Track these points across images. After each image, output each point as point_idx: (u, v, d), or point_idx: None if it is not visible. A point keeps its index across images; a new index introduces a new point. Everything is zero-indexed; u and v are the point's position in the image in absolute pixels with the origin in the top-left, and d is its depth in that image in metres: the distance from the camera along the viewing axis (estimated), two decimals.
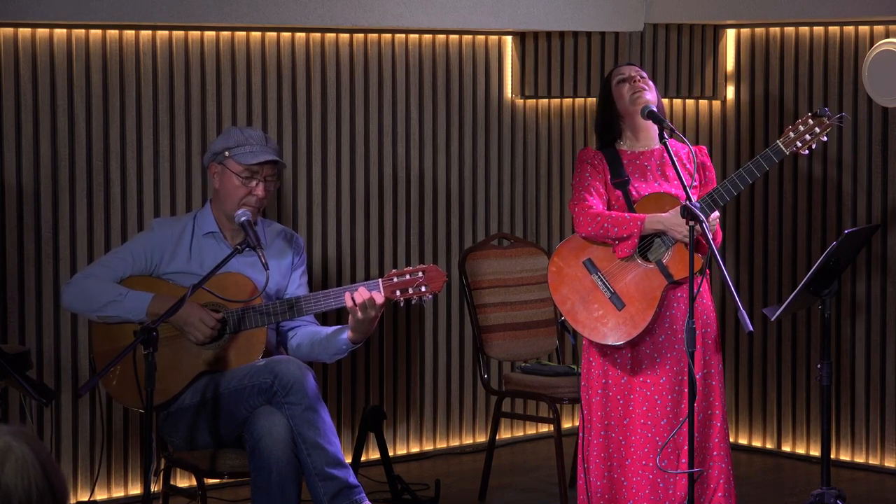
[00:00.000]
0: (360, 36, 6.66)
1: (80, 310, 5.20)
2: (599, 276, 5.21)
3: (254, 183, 5.17)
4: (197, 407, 5.06)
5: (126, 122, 6.09)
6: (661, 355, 5.18)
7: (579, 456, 5.27)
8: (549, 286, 5.33)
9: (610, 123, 5.32)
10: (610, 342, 5.18)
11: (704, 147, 5.35)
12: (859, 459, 6.75)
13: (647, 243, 5.19)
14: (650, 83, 5.29)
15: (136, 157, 6.13)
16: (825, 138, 5.14)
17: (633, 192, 5.22)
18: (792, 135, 5.10)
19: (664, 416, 5.15)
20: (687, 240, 5.08)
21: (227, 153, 5.19)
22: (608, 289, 5.20)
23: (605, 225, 5.15)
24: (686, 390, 5.13)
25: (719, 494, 5.18)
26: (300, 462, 4.90)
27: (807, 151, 5.11)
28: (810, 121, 5.11)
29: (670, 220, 5.10)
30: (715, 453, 5.19)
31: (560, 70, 7.11)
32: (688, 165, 5.23)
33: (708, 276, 5.22)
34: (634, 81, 5.25)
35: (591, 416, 5.25)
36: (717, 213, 5.05)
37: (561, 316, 5.29)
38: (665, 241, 5.15)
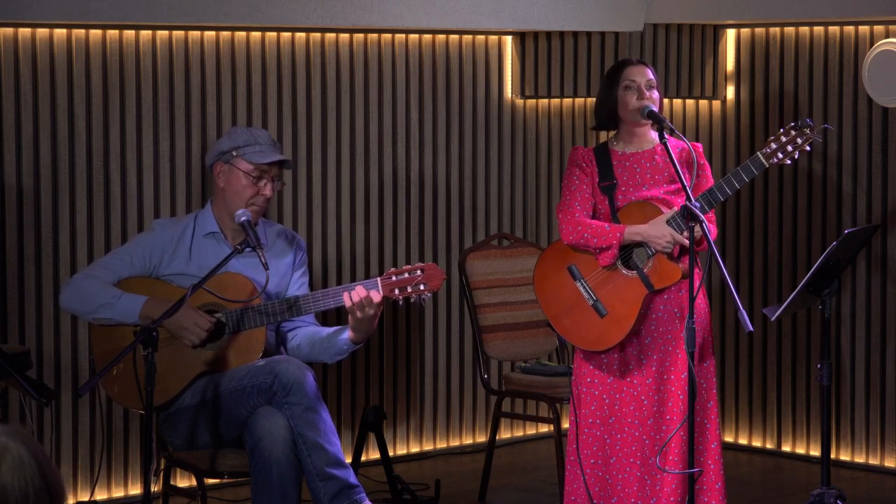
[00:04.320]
0: (360, 36, 6.66)
1: (77, 310, 5.20)
2: (583, 283, 5.22)
3: (263, 182, 5.17)
4: (197, 407, 5.06)
5: (126, 122, 6.09)
6: (647, 357, 5.19)
7: (570, 447, 5.28)
8: (534, 290, 5.34)
9: (606, 118, 5.32)
10: (592, 349, 5.20)
11: (700, 145, 5.34)
12: (859, 459, 6.74)
13: (630, 250, 5.19)
14: (656, 94, 5.26)
15: (136, 157, 6.13)
16: (808, 148, 5.12)
17: (619, 198, 5.22)
18: (774, 145, 5.07)
19: (650, 416, 5.17)
20: (666, 250, 5.10)
21: (234, 152, 5.18)
22: (591, 296, 5.20)
23: (586, 235, 5.16)
24: (672, 389, 5.14)
25: (696, 487, 5.17)
26: (300, 462, 4.90)
27: (789, 161, 5.08)
28: (792, 132, 5.07)
29: (649, 231, 5.11)
30: (700, 448, 5.18)
31: (560, 70, 7.11)
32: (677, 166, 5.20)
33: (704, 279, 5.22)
34: (642, 96, 5.23)
35: (581, 415, 5.26)
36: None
37: (546, 319, 5.30)
38: (647, 249, 5.15)
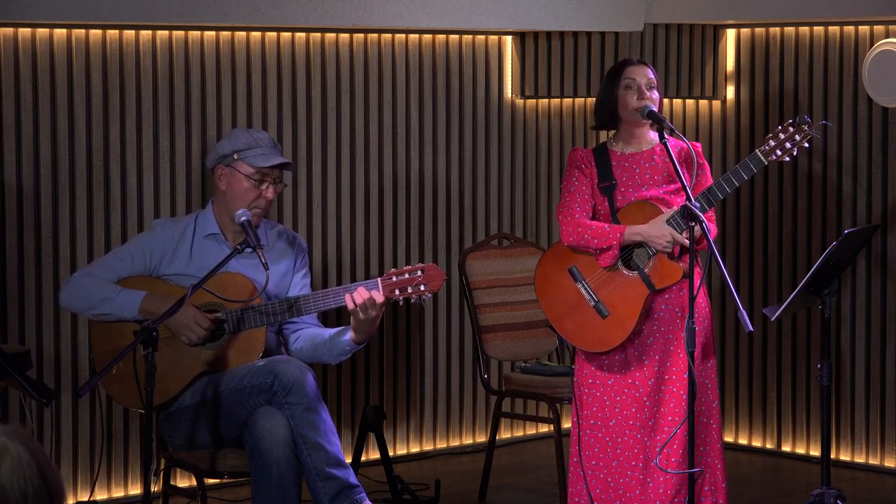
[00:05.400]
0: (360, 36, 6.66)
1: (76, 308, 5.20)
2: (584, 285, 5.22)
3: (264, 185, 5.17)
4: (197, 407, 5.06)
5: (126, 122, 6.09)
6: (649, 357, 5.19)
7: (573, 448, 5.28)
8: (535, 293, 5.34)
9: (607, 117, 5.32)
10: (594, 350, 5.20)
11: (699, 145, 5.34)
12: (859, 459, 6.74)
13: (630, 250, 5.19)
14: (656, 94, 5.25)
15: (136, 157, 6.13)
16: (807, 145, 5.12)
17: (619, 198, 5.22)
18: (772, 143, 5.07)
19: (651, 417, 5.17)
20: (667, 250, 5.10)
21: (236, 156, 5.18)
22: (592, 297, 5.21)
23: (586, 236, 5.16)
24: (674, 389, 5.14)
25: (705, 488, 5.18)
26: (300, 462, 4.90)
27: (788, 158, 5.09)
28: (790, 128, 5.08)
29: (649, 231, 5.11)
30: (701, 448, 5.18)
31: (560, 70, 7.11)
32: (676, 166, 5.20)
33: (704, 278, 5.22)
34: (642, 95, 5.22)
35: (583, 416, 5.27)
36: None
37: (549, 321, 5.31)
38: (648, 249, 5.16)
